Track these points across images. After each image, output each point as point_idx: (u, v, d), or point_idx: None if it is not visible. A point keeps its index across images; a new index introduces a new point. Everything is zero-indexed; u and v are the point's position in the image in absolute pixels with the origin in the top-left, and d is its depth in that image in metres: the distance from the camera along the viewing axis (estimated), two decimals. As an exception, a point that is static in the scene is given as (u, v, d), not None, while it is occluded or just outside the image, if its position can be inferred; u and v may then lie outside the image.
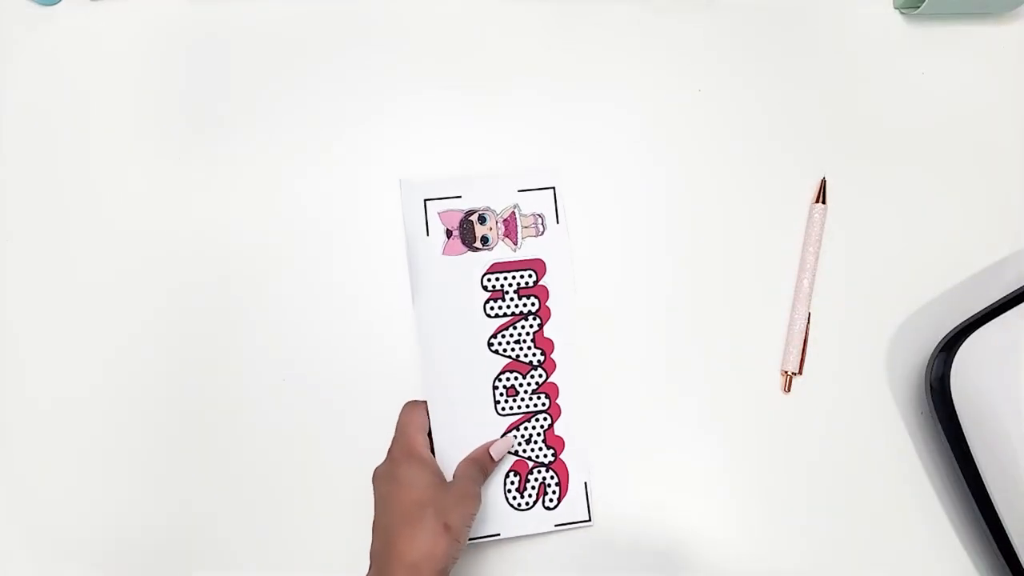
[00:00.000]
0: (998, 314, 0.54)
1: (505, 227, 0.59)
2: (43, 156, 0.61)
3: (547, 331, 0.58)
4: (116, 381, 0.59)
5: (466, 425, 0.57)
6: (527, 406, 0.58)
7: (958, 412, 0.53)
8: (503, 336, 0.58)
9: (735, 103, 0.62)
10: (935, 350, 0.55)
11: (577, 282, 0.59)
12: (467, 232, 0.58)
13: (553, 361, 0.58)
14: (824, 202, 0.60)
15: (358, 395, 0.58)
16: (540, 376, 0.58)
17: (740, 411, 0.59)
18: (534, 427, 0.58)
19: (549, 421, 0.58)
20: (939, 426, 0.55)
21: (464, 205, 0.59)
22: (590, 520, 0.57)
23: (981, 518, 0.54)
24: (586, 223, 0.60)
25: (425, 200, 0.59)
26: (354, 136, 0.61)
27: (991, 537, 0.53)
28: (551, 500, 0.57)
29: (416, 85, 0.62)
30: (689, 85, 0.62)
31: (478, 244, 0.59)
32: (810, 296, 0.59)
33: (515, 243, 0.59)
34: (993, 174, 0.62)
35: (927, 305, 0.59)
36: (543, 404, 0.58)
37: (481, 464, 0.56)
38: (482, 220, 0.58)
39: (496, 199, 0.59)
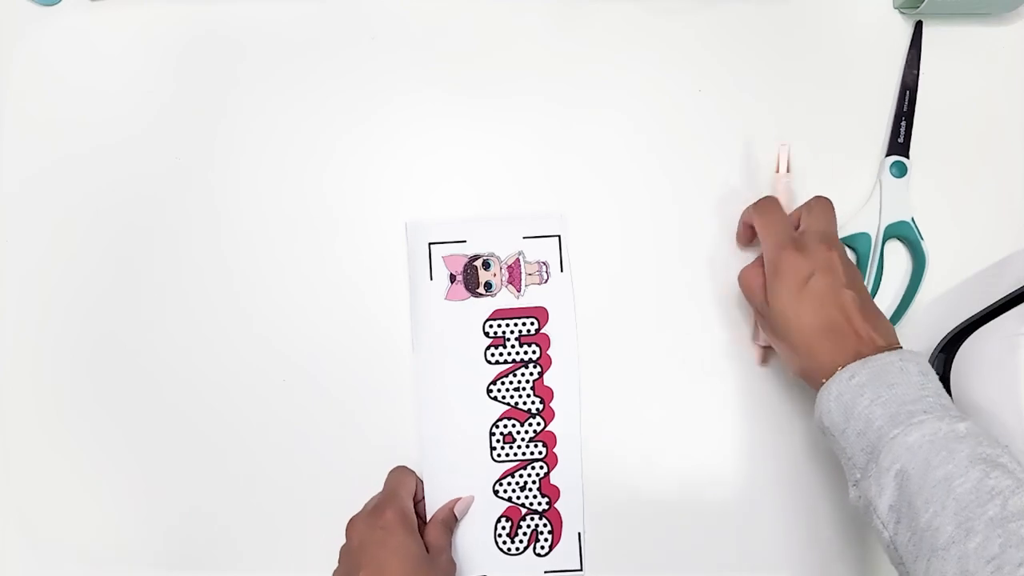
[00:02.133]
0: (998, 314, 0.54)
1: (509, 274, 0.58)
2: (43, 156, 0.61)
3: (547, 379, 0.58)
4: (116, 381, 0.59)
5: (460, 469, 0.57)
6: (523, 453, 0.58)
7: (958, 412, 0.53)
8: (503, 383, 0.58)
9: (735, 103, 0.62)
10: (935, 350, 0.55)
11: (579, 330, 0.59)
12: (471, 277, 0.58)
13: (552, 410, 0.58)
14: (788, 171, 0.58)
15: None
16: (538, 424, 0.58)
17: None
18: (529, 475, 0.58)
19: (545, 470, 0.58)
20: (939, 426, 0.55)
21: (469, 250, 0.59)
22: (582, 569, 0.57)
23: (981, 518, 0.54)
24: (586, 230, 0.61)
25: (430, 244, 0.58)
26: (354, 136, 0.61)
27: (991, 537, 0.53)
28: (542, 547, 0.57)
29: (416, 84, 0.62)
30: (689, 85, 0.62)
31: (481, 290, 0.58)
32: None
33: (519, 290, 0.58)
34: (993, 174, 0.61)
35: (927, 305, 0.59)
36: (540, 452, 0.58)
37: (449, 526, 0.56)
38: (486, 266, 0.58)
39: (501, 245, 0.59)
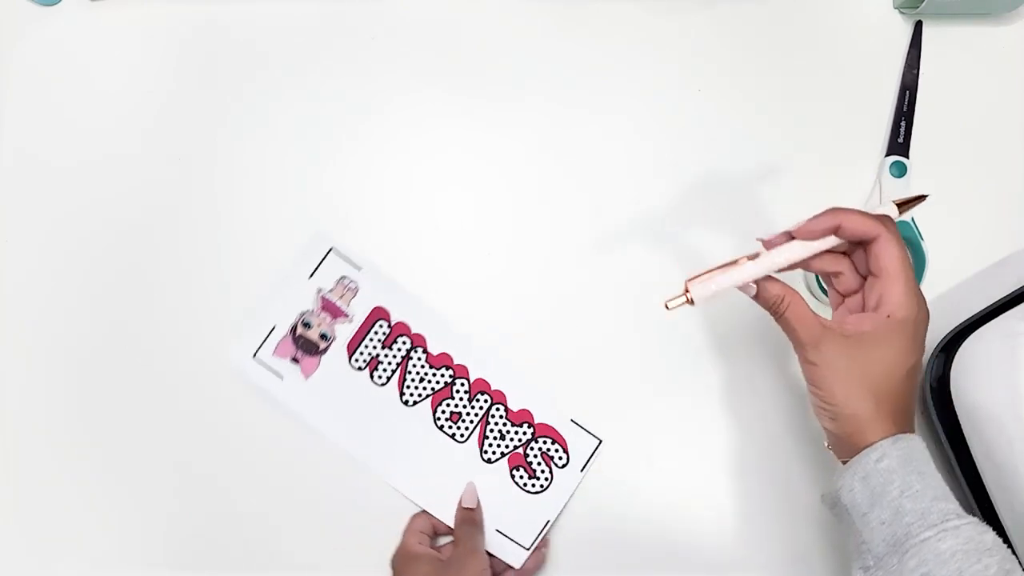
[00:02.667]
0: (998, 314, 0.54)
1: (327, 312, 0.58)
2: (43, 156, 0.61)
3: (434, 349, 0.58)
4: (116, 380, 0.59)
5: (446, 476, 0.57)
6: (476, 415, 0.58)
7: (958, 412, 0.53)
8: (407, 386, 0.58)
9: (735, 103, 0.62)
10: (935, 350, 0.55)
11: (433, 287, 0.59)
12: (306, 345, 0.58)
13: (462, 365, 0.58)
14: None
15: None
16: (462, 384, 0.58)
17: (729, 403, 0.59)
18: (496, 423, 0.58)
19: (502, 408, 0.58)
20: (939, 426, 0.55)
21: (283, 328, 0.58)
22: (600, 440, 0.58)
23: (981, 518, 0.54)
24: (586, 230, 0.61)
25: (255, 355, 0.58)
26: (354, 135, 0.62)
27: (991, 537, 0.53)
28: (561, 459, 0.58)
29: (416, 83, 0.62)
30: (689, 85, 0.62)
31: (321, 345, 0.58)
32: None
33: (345, 315, 0.58)
34: (993, 174, 0.61)
35: (927, 305, 0.59)
36: (486, 400, 0.58)
37: (466, 519, 0.56)
38: (307, 325, 0.58)
39: (299, 300, 0.58)
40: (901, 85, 0.62)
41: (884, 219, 0.46)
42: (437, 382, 0.58)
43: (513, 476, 0.57)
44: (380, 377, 0.58)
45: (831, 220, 0.46)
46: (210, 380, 0.59)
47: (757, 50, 0.63)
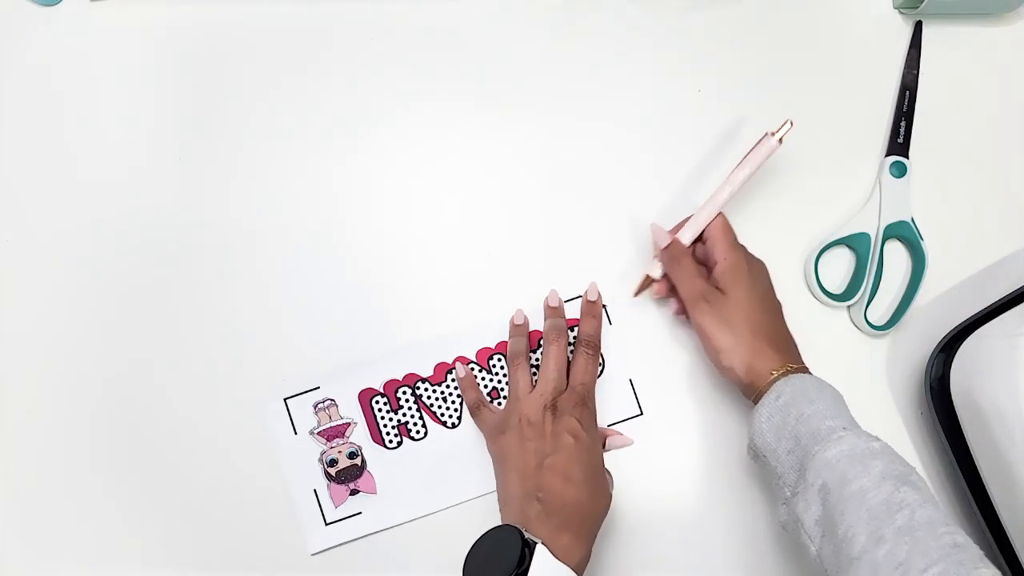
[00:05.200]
0: (998, 314, 0.54)
1: (333, 438, 0.57)
2: (43, 156, 0.61)
3: (428, 371, 0.58)
4: (115, 381, 0.59)
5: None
6: (506, 375, 0.58)
7: (958, 412, 0.53)
8: (442, 415, 0.58)
9: (735, 103, 0.62)
10: (935, 350, 0.55)
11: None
12: (348, 473, 0.57)
13: (458, 358, 0.58)
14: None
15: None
16: (473, 368, 0.58)
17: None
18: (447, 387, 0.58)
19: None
20: (939, 426, 0.55)
21: (322, 485, 0.57)
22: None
23: (981, 518, 0.54)
24: (585, 229, 0.61)
25: (327, 524, 0.57)
26: (355, 134, 0.62)
27: (991, 537, 0.53)
28: None
29: (417, 87, 0.62)
30: (689, 85, 0.62)
31: (357, 461, 0.57)
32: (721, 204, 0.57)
33: (346, 425, 0.58)
34: (993, 174, 0.62)
35: (927, 305, 0.59)
36: (498, 359, 0.58)
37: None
38: (333, 463, 0.57)
39: (306, 455, 0.57)
40: (901, 85, 0.62)
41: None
42: (456, 387, 0.58)
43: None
44: (418, 432, 0.58)
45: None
46: (210, 381, 0.59)
47: (757, 50, 0.63)
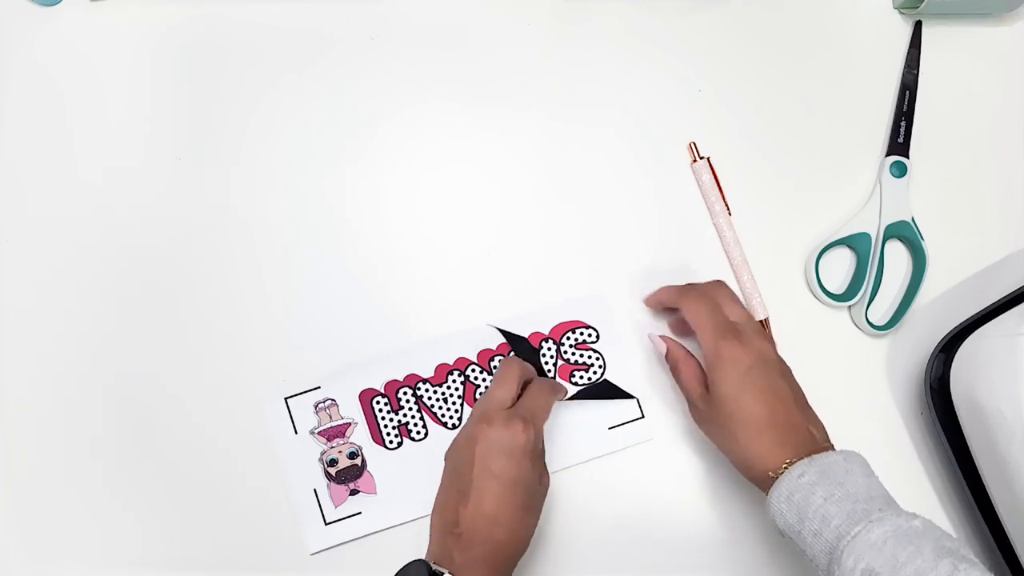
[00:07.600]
0: (998, 314, 0.54)
1: (334, 438, 0.57)
2: (44, 156, 0.61)
3: (428, 372, 0.58)
4: (115, 381, 0.59)
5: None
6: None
7: (958, 412, 0.53)
8: (442, 416, 0.58)
9: (735, 104, 0.62)
10: (935, 350, 0.55)
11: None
12: (348, 473, 0.57)
13: (460, 359, 0.58)
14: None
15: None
16: (474, 369, 0.58)
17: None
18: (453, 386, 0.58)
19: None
20: (939, 426, 0.55)
21: (322, 485, 0.57)
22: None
23: (981, 518, 0.54)
24: (585, 228, 0.61)
25: (328, 524, 0.57)
26: (353, 136, 0.62)
27: (991, 537, 0.53)
28: (590, 335, 0.59)
29: (417, 87, 0.62)
30: (689, 85, 0.62)
31: (357, 461, 0.57)
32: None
33: (346, 425, 0.58)
34: (993, 174, 0.62)
35: (927, 305, 0.59)
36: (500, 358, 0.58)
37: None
38: (333, 462, 0.57)
39: (306, 455, 0.57)
40: (901, 85, 0.62)
41: (684, 288, 0.55)
42: (456, 388, 0.58)
43: (573, 379, 0.58)
44: (419, 433, 0.58)
45: (662, 295, 0.57)
46: (210, 381, 0.59)
47: (757, 51, 0.63)
